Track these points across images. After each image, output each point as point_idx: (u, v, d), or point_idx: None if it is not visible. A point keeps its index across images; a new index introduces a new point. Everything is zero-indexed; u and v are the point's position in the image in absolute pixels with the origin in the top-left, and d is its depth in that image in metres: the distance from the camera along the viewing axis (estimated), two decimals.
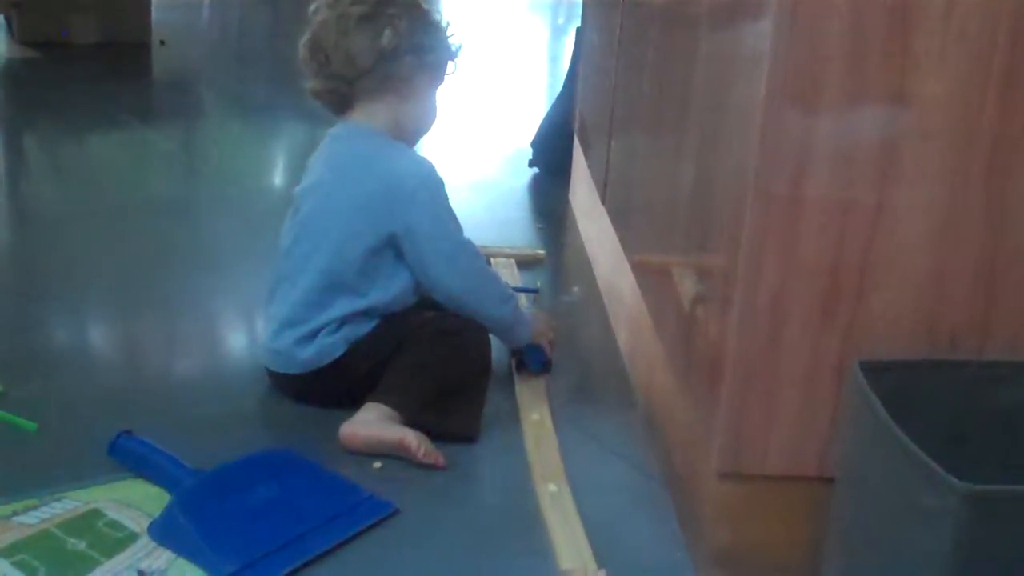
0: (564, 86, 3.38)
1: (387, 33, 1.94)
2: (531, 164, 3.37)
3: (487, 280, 2.05)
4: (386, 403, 1.87)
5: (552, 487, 1.77)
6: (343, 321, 1.94)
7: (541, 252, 2.72)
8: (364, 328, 1.95)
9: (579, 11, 3.27)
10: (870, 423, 1.25)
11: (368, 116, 2.00)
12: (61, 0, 4.69)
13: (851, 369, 1.32)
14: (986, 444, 1.34)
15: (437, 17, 2.03)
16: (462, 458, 1.85)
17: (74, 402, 1.97)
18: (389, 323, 1.97)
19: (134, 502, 1.67)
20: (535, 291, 2.43)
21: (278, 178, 3.55)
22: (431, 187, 1.96)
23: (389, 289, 1.97)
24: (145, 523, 1.62)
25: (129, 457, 1.76)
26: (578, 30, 3.26)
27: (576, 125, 3.07)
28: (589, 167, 2.76)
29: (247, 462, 1.77)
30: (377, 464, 1.81)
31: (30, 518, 1.62)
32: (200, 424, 1.91)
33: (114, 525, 1.62)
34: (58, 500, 1.66)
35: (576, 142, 3.07)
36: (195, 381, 2.13)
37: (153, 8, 4.92)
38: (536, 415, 1.98)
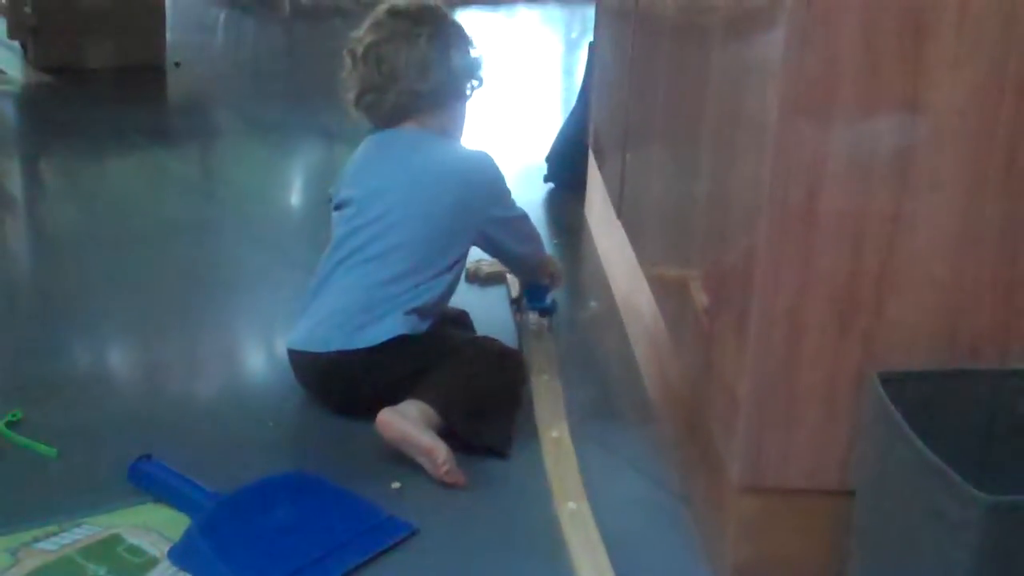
0: (578, 100, 3.38)
1: (454, 51, 2.13)
2: (546, 179, 3.37)
3: (537, 236, 2.33)
4: (431, 403, 1.88)
5: (572, 505, 1.76)
6: (410, 311, 2.00)
7: (557, 264, 2.71)
8: (421, 327, 2.01)
9: (592, 24, 3.27)
10: (890, 435, 1.24)
11: (420, 124, 2.13)
12: (76, 25, 4.70)
13: (870, 380, 1.32)
14: (1008, 454, 1.33)
15: (470, 35, 2.21)
16: (482, 478, 1.84)
17: (93, 427, 1.98)
18: (435, 333, 2.04)
19: (154, 527, 1.67)
20: (550, 307, 2.42)
21: (296, 198, 3.55)
22: (499, 177, 2.17)
23: (436, 289, 2.05)
24: (165, 548, 1.62)
25: (148, 481, 1.76)
26: (591, 44, 3.26)
27: (591, 139, 3.06)
28: (604, 181, 2.75)
29: (266, 484, 1.77)
30: (396, 484, 1.80)
31: (51, 544, 1.61)
32: (220, 447, 1.91)
33: (134, 550, 1.61)
34: (78, 526, 1.66)
35: (591, 156, 3.06)
36: (214, 404, 2.13)
37: (168, 30, 4.94)
38: (555, 432, 1.97)
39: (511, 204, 2.20)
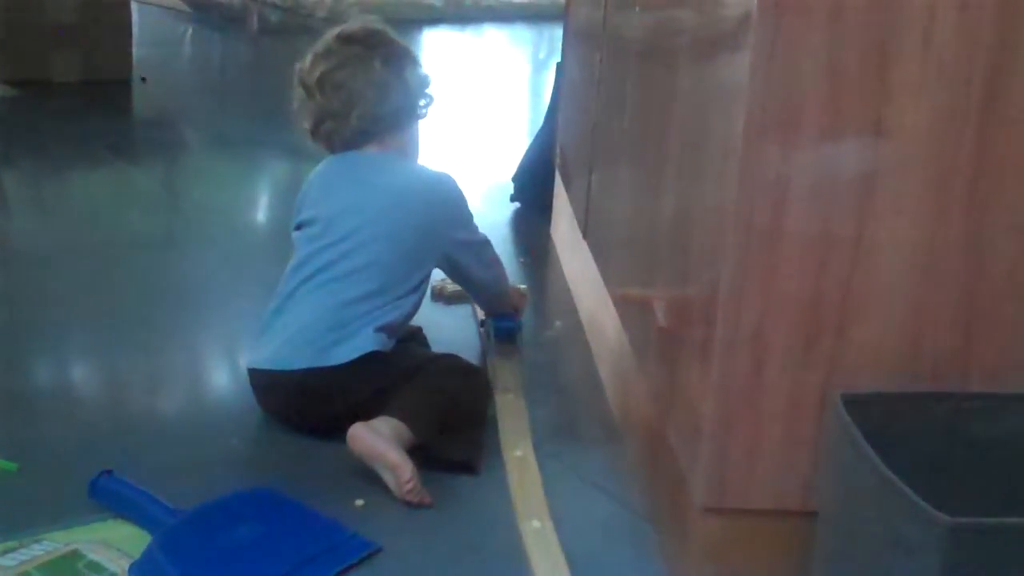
0: (545, 121, 3.38)
1: (407, 72, 2.16)
2: (513, 199, 3.37)
3: (500, 264, 2.32)
4: (403, 420, 1.88)
5: (536, 524, 1.76)
6: (380, 329, 2.00)
7: (523, 287, 2.71)
8: (388, 344, 2.01)
9: (560, 45, 3.28)
10: (852, 456, 1.25)
11: (382, 146, 2.15)
12: (43, 39, 4.68)
13: (833, 402, 1.32)
14: (968, 476, 1.34)
15: (415, 54, 2.23)
16: (445, 496, 1.84)
17: (55, 442, 1.96)
18: (401, 350, 2.05)
19: (115, 543, 1.66)
20: (517, 327, 2.42)
21: (261, 214, 3.54)
22: (462, 199, 2.19)
23: (403, 308, 2.06)
24: (125, 564, 1.61)
25: (110, 497, 1.74)
26: (558, 65, 3.27)
27: (557, 160, 3.07)
28: (570, 202, 2.76)
29: (228, 501, 1.76)
30: (360, 502, 1.80)
31: (9, 560, 1.60)
32: (182, 464, 1.90)
33: (94, 567, 1.60)
34: (38, 542, 1.65)
35: (557, 177, 3.07)
36: (177, 420, 2.12)
37: (134, 45, 4.92)
38: (519, 451, 1.97)
39: (474, 228, 2.22)
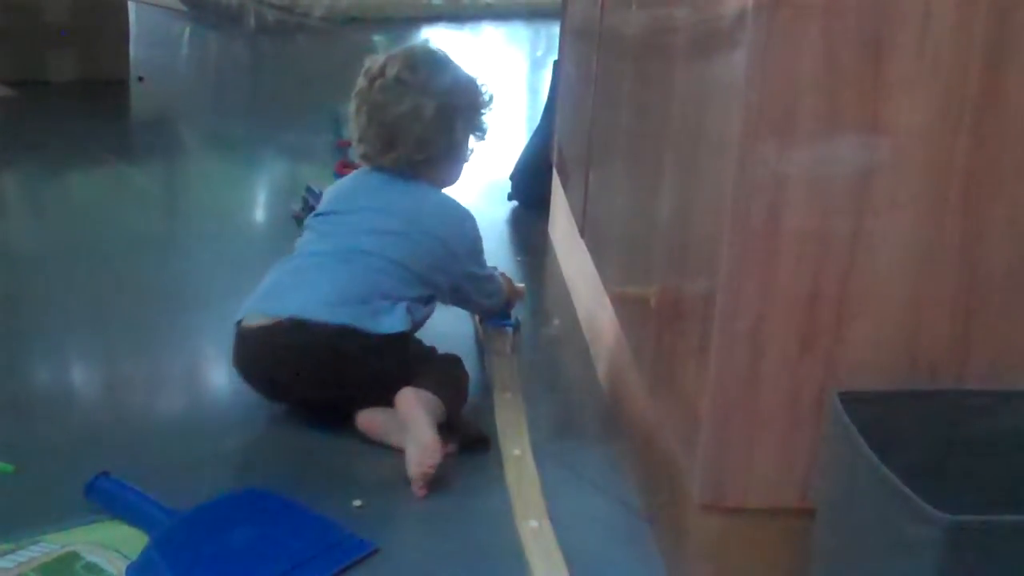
0: (542, 119, 3.38)
1: (459, 126, 2.16)
2: (510, 197, 3.37)
3: (501, 293, 2.36)
4: (439, 396, 1.93)
5: (534, 523, 1.76)
6: (409, 315, 2.04)
7: (521, 285, 2.71)
8: (413, 332, 2.07)
9: (557, 43, 3.27)
10: (850, 454, 1.24)
11: (416, 175, 2.16)
12: (38, 38, 4.67)
13: (831, 400, 1.32)
14: (966, 473, 1.34)
15: (490, 95, 2.27)
16: (443, 495, 1.84)
17: (52, 443, 1.96)
18: (416, 341, 2.09)
19: (112, 544, 1.66)
20: (513, 325, 2.42)
21: (259, 214, 3.54)
22: (479, 237, 2.23)
23: (421, 312, 2.10)
24: (123, 565, 1.60)
25: (106, 499, 1.74)
26: (555, 63, 3.26)
27: (554, 158, 3.07)
28: (568, 200, 2.75)
29: (225, 502, 1.76)
30: (357, 502, 1.80)
31: (6, 562, 1.60)
32: (179, 465, 1.89)
33: (92, 568, 1.60)
34: (35, 543, 1.64)
35: (555, 175, 3.07)
36: (174, 421, 2.11)
37: (131, 45, 4.91)
38: (517, 450, 1.97)
39: (483, 263, 2.27)
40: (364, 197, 2.16)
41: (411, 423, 1.86)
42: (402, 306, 2.01)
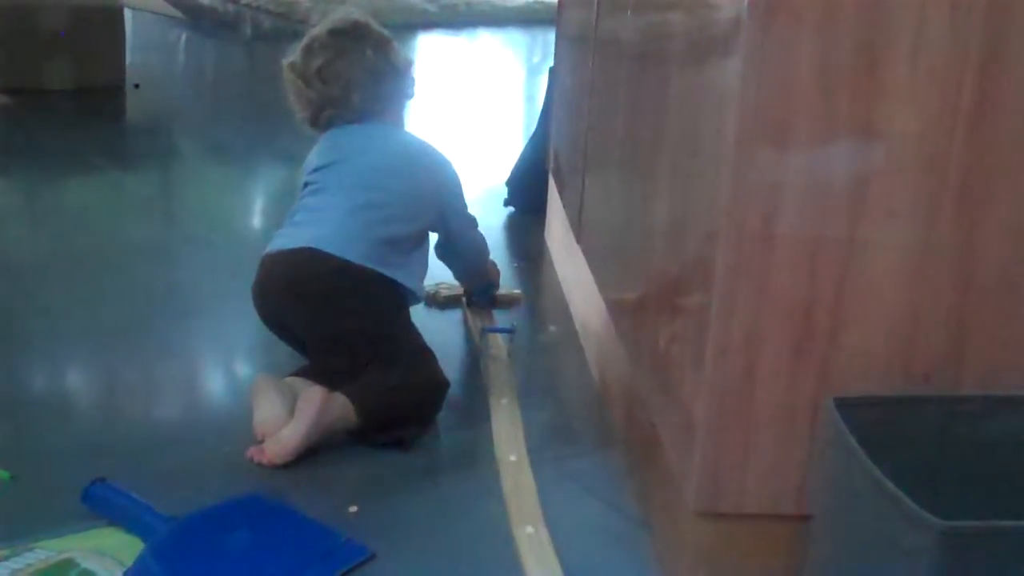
0: (538, 125, 3.38)
1: (393, 57, 2.35)
2: (507, 203, 3.37)
3: (484, 244, 2.53)
4: (357, 404, 1.97)
5: (529, 529, 1.76)
6: (412, 279, 2.22)
7: (518, 291, 2.72)
8: (411, 301, 2.23)
9: (553, 49, 3.28)
10: (845, 460, 1.24)
11: (381, 122, 2.35)
12: (35, 46, 4.68)
13: (826, 406, 1.32)
14: (961, 479, 1.34)
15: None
16: (439, 500, 1.84)
17: (48, 450, 1.96)
18: (408, 323, 2.20)
19: (108, 550, 1.66)
20: (511, 330, 2.42)
21: (255, 220, 3.54)
22: (459, 178, 2.42)
23: (418, 262, 2.27)
24: (119, 572, 1.60)
25: (102, 505, 1.74)
26: (551, 70, 3.27)
27: (551, 164, 3.07)
28: (564, 206, 2.76)
29: (221, 508, 1.75)
30: (353, 508, 1.80)
31: (3, 568, 1.60)
32: (176, 471, 1.89)
33: (87, 574, 1.60)
34: (31, 550, 1.64)
35: (551, 181, 3.07)
36: (170, 427, 2.11)
37: (127, 52, 4.92)
38: (513, 456, 1.97)
39: (466, 206, 2.44)
40: (349, 147, 2.30)
41: (298, 418, 1.92)
42: (410, 268, 2.18)
